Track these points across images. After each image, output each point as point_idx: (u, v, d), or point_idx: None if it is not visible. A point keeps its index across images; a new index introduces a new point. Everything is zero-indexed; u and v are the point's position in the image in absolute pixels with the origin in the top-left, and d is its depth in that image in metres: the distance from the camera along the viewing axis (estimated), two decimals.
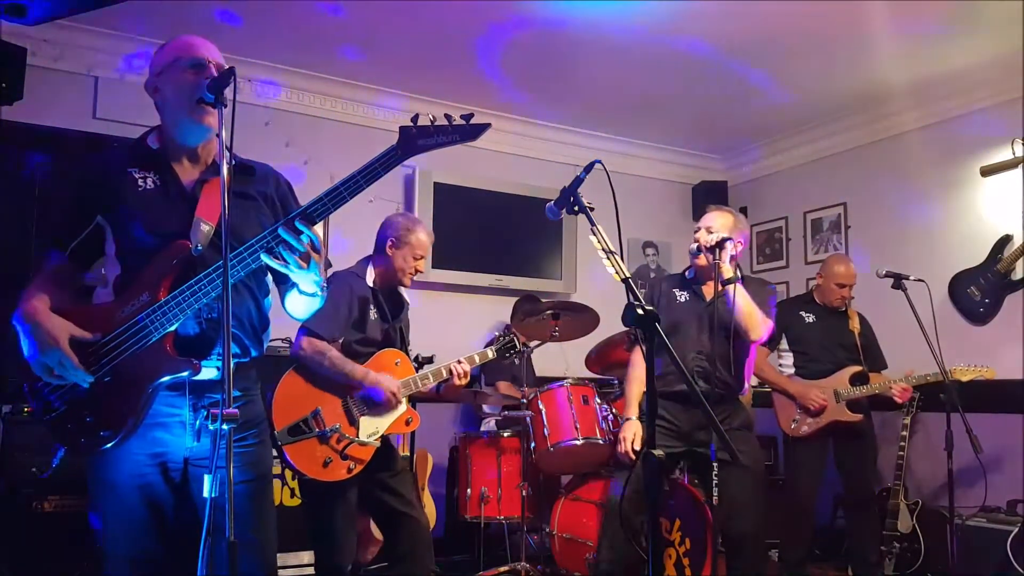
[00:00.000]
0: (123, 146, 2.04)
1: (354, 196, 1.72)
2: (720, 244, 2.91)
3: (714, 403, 3.02)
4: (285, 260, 1.72)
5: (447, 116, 1.71)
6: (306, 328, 2.75)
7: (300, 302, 1.96)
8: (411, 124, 1.70)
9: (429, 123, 1.69)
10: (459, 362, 3.10)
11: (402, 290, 3.15)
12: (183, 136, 1.87)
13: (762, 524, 3.09)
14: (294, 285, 1.92)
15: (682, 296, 3.22)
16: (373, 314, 2.94)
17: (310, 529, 2.97)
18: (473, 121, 1.70)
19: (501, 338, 3.35)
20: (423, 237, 3.04)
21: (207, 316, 1.79)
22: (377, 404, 2.86)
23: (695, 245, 3.08)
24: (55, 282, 1.83)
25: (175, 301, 1.72)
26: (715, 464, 2.76)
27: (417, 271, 3.06)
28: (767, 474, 3.00)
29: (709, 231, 3.13)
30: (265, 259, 1.72)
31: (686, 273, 3.30)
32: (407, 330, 3.18)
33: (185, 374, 1.73)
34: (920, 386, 3.96)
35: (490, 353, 3.27)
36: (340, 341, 2.86)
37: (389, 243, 2.99)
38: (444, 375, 3.07)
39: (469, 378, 3.14)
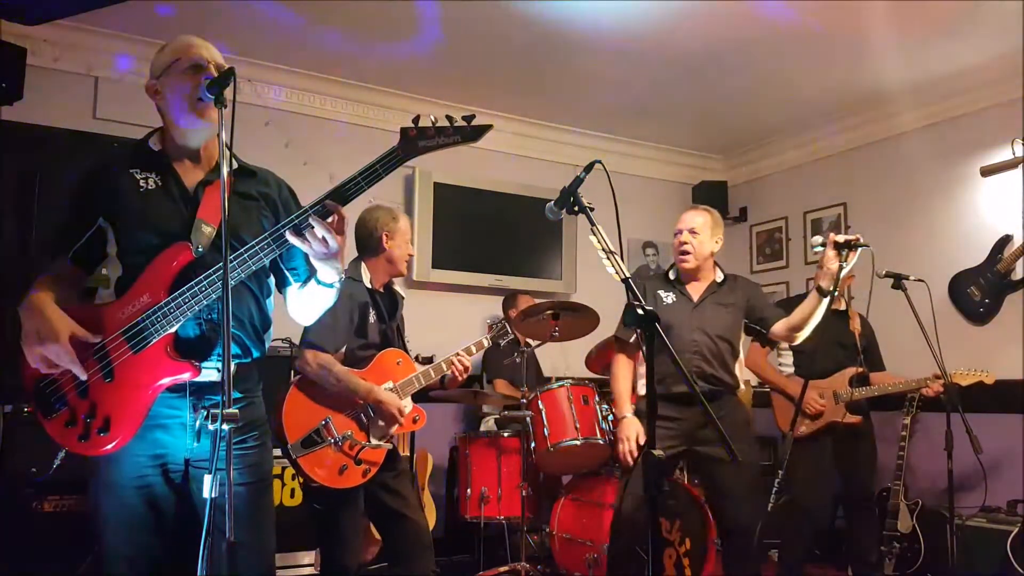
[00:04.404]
0: (125, 147, 2.04)
1: (355, 198, 1.72)
2: (853, 244, 2.63)
3: (711, 400, 3.03)
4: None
5: (448, 117, 1.69)
6: (309, 341, 2.74)
7: (313, 297, 1.94)
8: (412, 125, 1.69)
9: (430, 124, 1.68)
10: (457, 355, 3.09)
11: (396, 285, 3.15)
12: (184, 137, 1.87)
13: (757, 519, 3.10)
14: (309, 278, 1.91)
15: (668, 297, 3.22)
16: (373, 317, 2.93)
17: (319, 533, 2.97)
18: (474, 122, 1.69)
19: (495, 326, 3.38)
20: (407, 223, 3.07)
21: (207, 317, 1.79)
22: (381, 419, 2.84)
23: (818, 239, 2.72)
24: (59, 282, 1.83)
25: (175, 303, 1.72)
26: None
27: (410, 255, 3.07)
28: (763, 472, 3.00)
29: (693, 232, 3.15)
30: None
31: (669, 273, 3.29)
32: (403, 326, 3.18)
33: (185, 376, 1.73)
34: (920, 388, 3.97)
35: (485, 341, 3.28)
36: (343, 350, 2.85)
37: (384, 236, 2.97)
38: (444, 369, 3.07)
39: (469, 372, 3.13)
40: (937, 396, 3.88)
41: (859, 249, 2.62)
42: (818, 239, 2.73)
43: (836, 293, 2.70)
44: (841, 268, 2.63)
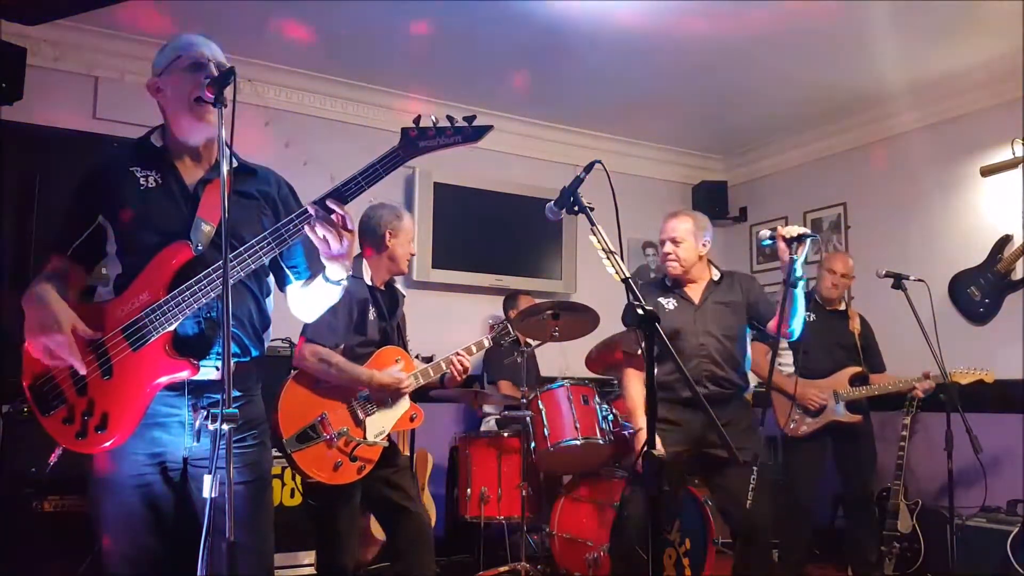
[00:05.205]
0: (125, 145, 2.03)
1: (355, 197, 1.72)
2: (801, 238, 2.66)
3: (723, 403, 3.02)
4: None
5: (449, 118, 1.69)
6: (308, 337, 2.75)
7: (319, 294, 1.94)
8: (412, 125, 1.69)
9: (431, 124, 1.68)
10: (457, 354, 3.10)
11: (397, 283, 3.16)
12: (185, 135, 1.87)
13: (770, 520, 3.09)
14: (314, 275, 1.92)
15: (670, 303, 3.18)
16: (372, 314, 2.94)
17: (316, 530, 2.97)
18: (475, 123, 1.68)
19: (496, 326, 3.41)
20: (411, 221, 3.09)
21: (206, 316, 1.79)
22: (384, 400, 2.88)
23: (766, 233, 2.75)
24: (58, 279, 1.83)
25: (174, 301, 1.72)
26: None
27: (411, 254, 3.09)
28: (769, 474, 2.99)
29: (675, 241, 3.12)
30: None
31: (665, 280, 3.26)
32: (403, 324, 3.18)
33: (184, 374, 1.73)
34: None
35: (486, 341, 3.29)
36: (342, 347, 2.85)
37: (388, 235, 2.99)
38: (444, 368, 3.09)
39: (469, 371, 3.14)
40: (926, 396, 3.89)
41: (808, 240, 2.65)
42: (766, 233, 2.75)
43: (796, 280, 2.72)
44: (793, 260, 2.65)
